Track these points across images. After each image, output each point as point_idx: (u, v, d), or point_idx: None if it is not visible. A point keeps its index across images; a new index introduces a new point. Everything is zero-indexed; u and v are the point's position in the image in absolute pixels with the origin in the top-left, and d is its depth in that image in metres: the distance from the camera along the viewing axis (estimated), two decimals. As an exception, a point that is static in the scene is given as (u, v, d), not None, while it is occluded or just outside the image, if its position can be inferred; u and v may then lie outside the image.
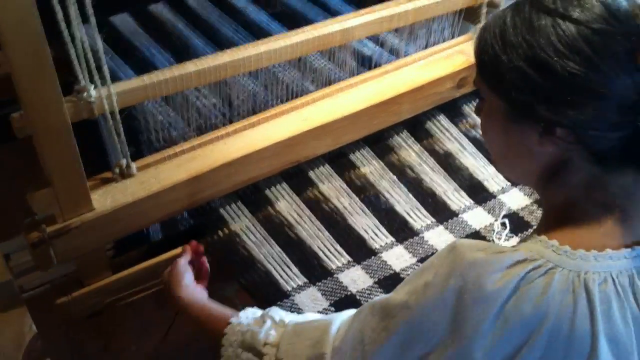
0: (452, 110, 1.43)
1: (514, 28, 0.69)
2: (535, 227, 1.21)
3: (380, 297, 0.78)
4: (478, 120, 1.42)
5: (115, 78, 1.35)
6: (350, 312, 0.84)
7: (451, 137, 1.39)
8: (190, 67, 1.19)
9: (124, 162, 1.15)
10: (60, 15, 1.00)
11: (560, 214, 0.73)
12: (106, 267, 1.16)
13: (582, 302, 0.67)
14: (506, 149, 0.75)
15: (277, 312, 0.90)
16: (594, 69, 0.65)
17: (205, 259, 1.09)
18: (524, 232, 1.23)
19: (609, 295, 0.68)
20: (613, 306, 0.68)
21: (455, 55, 1.40)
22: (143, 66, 1.47)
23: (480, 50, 0.73)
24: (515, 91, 0.69)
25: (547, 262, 0.68)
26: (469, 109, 1.44)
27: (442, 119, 1.41)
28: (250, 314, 0.91)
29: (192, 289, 1.03)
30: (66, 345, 1.15)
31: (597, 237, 0.70)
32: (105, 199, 1.09)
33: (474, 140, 1.39)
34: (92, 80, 1.07)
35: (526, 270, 0.68)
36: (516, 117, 0.71)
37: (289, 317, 0.89)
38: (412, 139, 1.38)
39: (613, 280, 0.68)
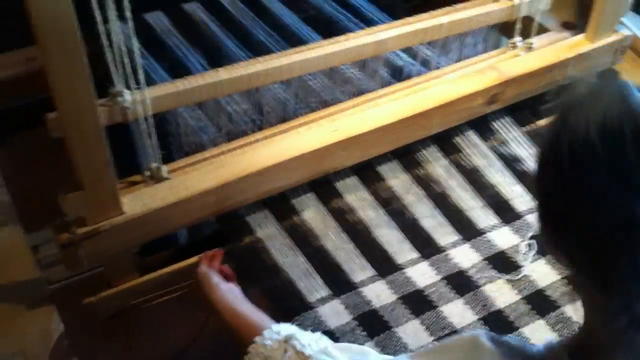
0: (481, 125, 1.42)
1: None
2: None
3: None
4: (506, 136, 1.42)
5: (146, 77, 1.37)
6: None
7: (479, 153, 1.38)
8: (224, 74, 1.19)
9: (154, 165, 1.15)
10: (98, 17, 1.01)
11: (588, 338, 0.67)
12: (134, 269, 1.18)
13: None
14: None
15: (300, 338, 0.90)
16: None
17: (226, 266, 1.10)
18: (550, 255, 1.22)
19: None
20: None
21: (488, 71, 1.39)
22: (174, 65, 1.48)
23: None
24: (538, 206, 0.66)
25: None
26: (499, 125, 1.43)
27: (471, 135, 1.40)
28: (274, 335, 0.92)
29: (223, 290, 1.05)
30: (91, 344, 1.16)
31: None
32: (135, 203, 1.10)
33: (502, 157, 1.38)
34: (127, 84, 1.07)
35: None
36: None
37: (312, 347, 0.88)
38: (440, 152, 1.37)
39: None
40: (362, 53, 1.31)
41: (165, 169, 1.16)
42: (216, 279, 1.07)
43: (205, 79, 1.17)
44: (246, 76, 1.20)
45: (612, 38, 1.46)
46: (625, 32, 1.48)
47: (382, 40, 1.31)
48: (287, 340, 0.90)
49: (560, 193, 0.61)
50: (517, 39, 1.46)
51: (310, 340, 0.90)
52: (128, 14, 1.04)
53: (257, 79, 1.22)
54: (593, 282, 0.62)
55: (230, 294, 1.05)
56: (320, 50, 1.27)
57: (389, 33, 1.32)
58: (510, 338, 0.73)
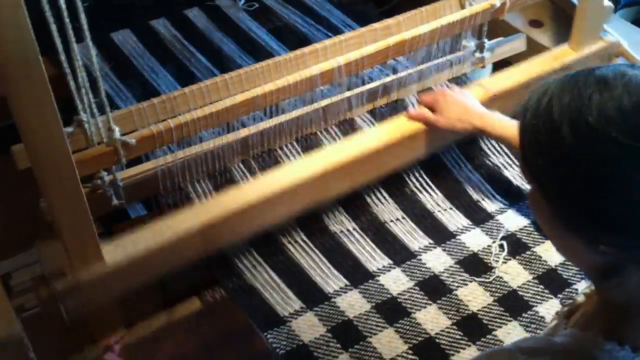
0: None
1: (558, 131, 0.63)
2: (534, 248, 1.22)
3: None
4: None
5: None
6: None
7: (447, 154, 1.37)
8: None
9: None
10: (63, 56, 1.01)
11: (623, 314, 0.68)
12: (119, 322, 1.13)
13: None
14: (554, 241, 0.72)
15: None
16: (629, 195, 0.60)
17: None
18: (522, 255, 1.23)
19: None
20: None
21: (473, 88, 1.36)
22: (142, 83, 1.49)
23: (524, 132, 0.67)
24: (557, 197, 0.65)
25: None
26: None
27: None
28: None
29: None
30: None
31: None
32: (117, 250, 1.06)
33: (471, 158, 1.38)
34: (91, 112, 1.08)
35: None
36: (561, 219, 0.67)
37: None
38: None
39: None
40: (330, 78, 1.28)
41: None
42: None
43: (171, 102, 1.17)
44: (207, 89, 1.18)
45: (597, 46, 1.43)
46: (610, 38, 1.43)
47: (349, 63, 1.27)
48: None
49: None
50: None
51: None
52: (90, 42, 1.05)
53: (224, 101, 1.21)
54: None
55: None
56: (290, 79, 1.23)
57: (355, 55, 1.28)
58: (537, 340, 0.72)
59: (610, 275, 0.67)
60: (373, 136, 1.26)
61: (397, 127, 1.28)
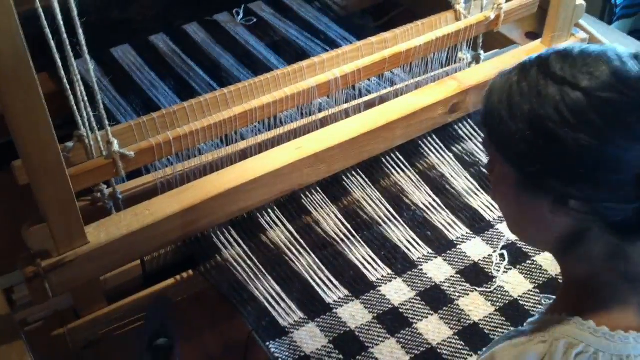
0: (446, 134, 1.42)
1: (521, 95, 0.67)
2: (534, 257, 1.23)
3: None
4: (471, 143, 1.42)
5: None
6: None
7: (445, 163, 1.38)
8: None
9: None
10: (63, 75, 1.03)
11: (585, 289, 0.70)
12: (101, 298, 1.17)
13: None
14: (519, 216, 0.74)
15: None
16: (605, 141, 0.63)
17: None
18: (522, 264, 1.23)
19: None
20: None
21: (447, 81, 1.40)
22: (142, 97, 1.50)
23: (488, 114, 0.72)
24: (524, 160, 0.68)
25: (587, 346, 0.66)
26: (462, 132, 1.43)
27: (436, 145, 1.40)
28: None
29: None
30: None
31: (632, 317, 0.68)
32: (100, 232, 1.10)
33: (468, 166, 1.39)
34: (90, 128, 1.09)
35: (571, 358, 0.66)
36: (527, 185, 0.69)
37: None
38: (406, 163, 1.37)
39: None
40: (326, 90, 1.31)
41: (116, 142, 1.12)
42: None
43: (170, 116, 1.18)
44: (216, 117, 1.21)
45: (569, 42, 1.49)
46: (581, 35, 1.51)
47: (345, 75, 1.30)
48: None
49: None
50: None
51: None
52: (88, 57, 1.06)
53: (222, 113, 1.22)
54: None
55: None
56: (289, 91, 1.26)
57: (351, 67, 1.31)
58: (507, 335, 0.74)
59: (575, 244, 0.69)
60: (347, 126, 1.30)
61: (371, 116, 1.32)
